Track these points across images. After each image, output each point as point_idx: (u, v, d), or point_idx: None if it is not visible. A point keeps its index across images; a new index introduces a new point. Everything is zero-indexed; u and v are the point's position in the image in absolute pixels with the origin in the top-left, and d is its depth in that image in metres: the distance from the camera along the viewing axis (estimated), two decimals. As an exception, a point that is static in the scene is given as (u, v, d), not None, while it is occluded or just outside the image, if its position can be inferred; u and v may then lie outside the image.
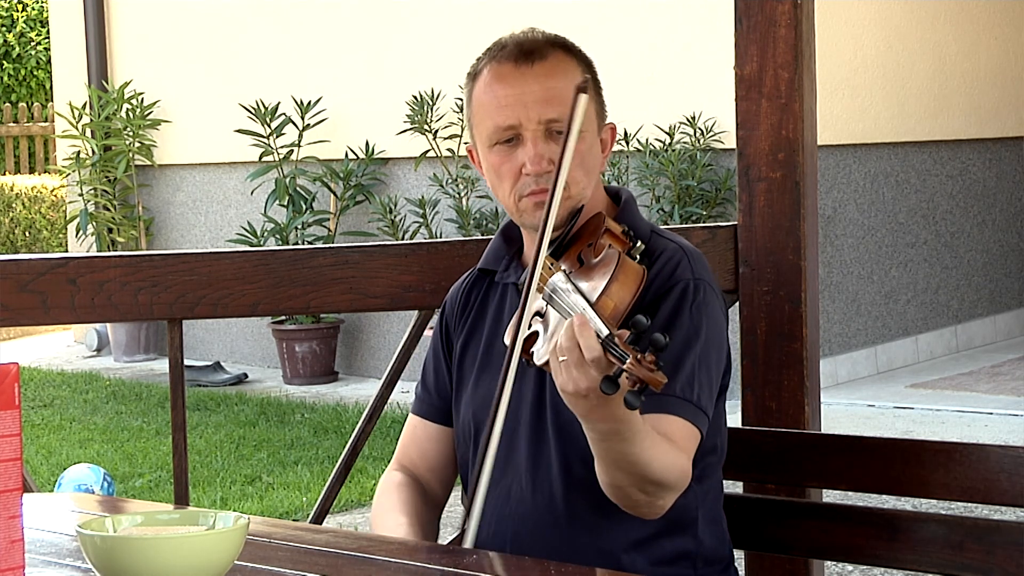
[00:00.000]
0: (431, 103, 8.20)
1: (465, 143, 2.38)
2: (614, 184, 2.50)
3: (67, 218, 9.93)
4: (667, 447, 2.07)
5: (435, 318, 2.50)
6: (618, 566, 2.19)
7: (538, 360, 2.06)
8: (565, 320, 2.00)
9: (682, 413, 2.13)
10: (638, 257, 2.17)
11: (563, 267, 2.13)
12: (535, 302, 2.11)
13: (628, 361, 1.82)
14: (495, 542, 2.24)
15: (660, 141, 7.56)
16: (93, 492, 5.11)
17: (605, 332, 1.88)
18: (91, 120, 9.58)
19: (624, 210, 2.33)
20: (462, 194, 8.14)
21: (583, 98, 2.14)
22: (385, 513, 2.34)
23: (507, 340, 2.13)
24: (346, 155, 8.71)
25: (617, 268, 2.06)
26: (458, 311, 2.42)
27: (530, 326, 2.11)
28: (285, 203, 8.69)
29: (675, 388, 2.13)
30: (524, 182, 2.26)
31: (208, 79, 9.40)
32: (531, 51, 2.27)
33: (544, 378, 2.23)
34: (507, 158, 2.27)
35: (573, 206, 2.25)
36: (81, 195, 9.55)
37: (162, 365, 9.23)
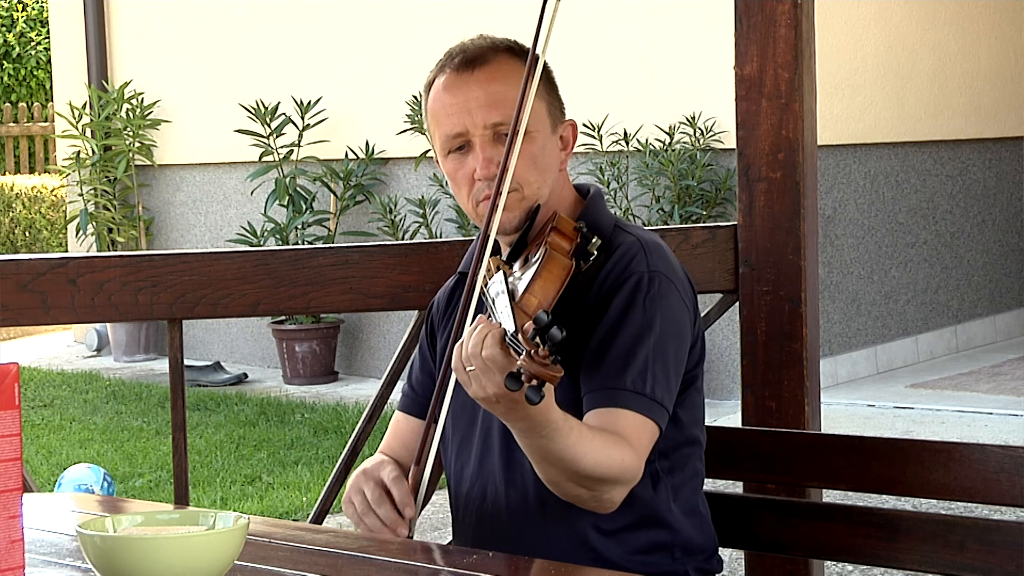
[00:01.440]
0: (431, 103, 8.20)
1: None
2: (588, 182, 2.48)
3: (67, 218, 9.93)
4: (603, 441, 2.07)
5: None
6: (595, 553, 2.21)
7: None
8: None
9: (633, 406, 2.14)
10: (595, 253, 2.17)
11: (514, 268, 2.15)
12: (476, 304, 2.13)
13: (522, 356, 1.82)
14: (476, 541, 2.27)
15: (660, 141, 7.55)
16: (93, 492, 5.11)
17: (511, 329, 1.88)
18: (91, 120, 9.58)
19: (588, 206, 2.34)
20: (462, 194, 8.13)
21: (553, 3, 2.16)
22: (370, 464, 2.36)
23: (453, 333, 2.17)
24: (346, 155, 8.72)
25: (542, 264, 2.07)
26: (441, 311, 2.45)
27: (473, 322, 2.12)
28: (285, 203, 8.69)
29: (625, 381, 2.14)
30: (478, 187, 2.28)
31: (208, 79, 9.40)
32: (474, 58, 2.30)
33: None
34: (460, 165, 2.30)
35: (528, 207, 2.27)
36: (81, 195, 9.55)
37: (162, 365, 9.23)
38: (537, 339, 1.82)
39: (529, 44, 2.26)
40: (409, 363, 2.51)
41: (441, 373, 2.21)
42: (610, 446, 2.08)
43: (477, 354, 1.92)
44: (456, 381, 2.12)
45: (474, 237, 2.44)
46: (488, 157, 2.26)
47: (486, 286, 2.10)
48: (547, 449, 2.03)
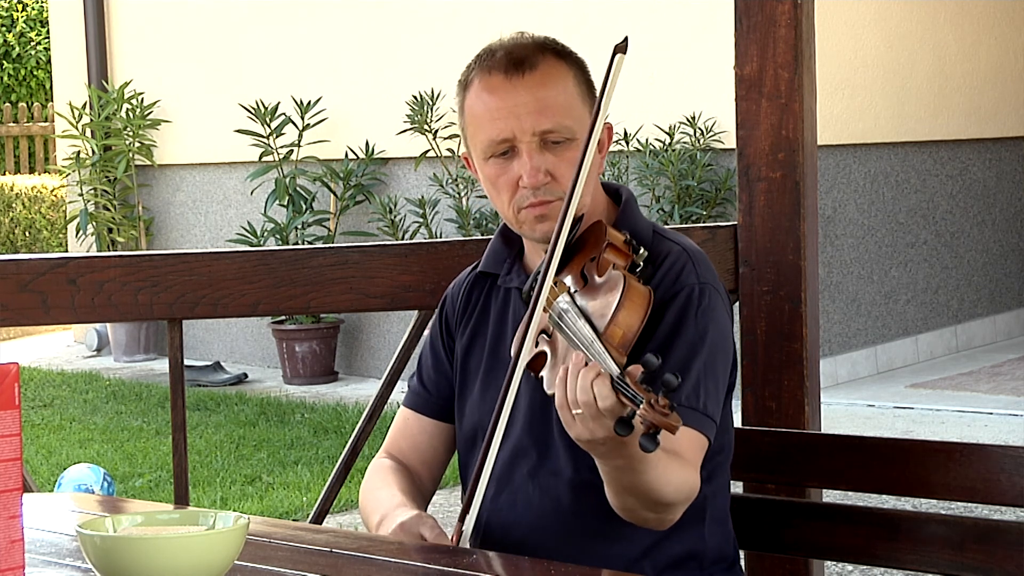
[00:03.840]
0: (431, 103, 8.20)
1: (461, 152, 2.35)
2: (613, 182, 2.44)
3: (67, 218, 9.93)
4: (677, 467, 2.05)
5: (433, 319, 2.49)
6: (626, 565, 2.18)
7: (547, 388, 2.04)
8: (573, 350, 1.97)
9: (689, 422, 2.10)
10: (641, 264, 2.15)
11: (568, 285, 2.11)
12: (541, 320, 2.09)
13: (642, 406, 1.79)
14: (501, 549, 2.22)
15: (660, 141, 7.55)
16: (93, 492, 5.11)
17: (616, 372, 1.86)
18: (91, 120, 9.58)
19: (624, 212, 2.31)
20: (462, 194, 8.14)
21: (620, 59, 2.09)
22: (378, 488, 2.33)
23: (513, 354, 2.12)
24: (346, 155, 8.71)
25: (624, 294, 2.02)
26: (459, 311, 2.40)
27: (536, 343, 2.09)
28: (285, 203, 8.69)
29: (680, 397, 2.10)
30: (522, 194, 2.22)
31: (208, 79, 9.40)
32: (521, 60, 2.22)
33: None
34: (503, 170, 2.23)
35: (574, 217, 2.21)
36: (81, 195, 9.55)
37: (162, 365, 9.23)
38: (647, 386, 1.80)
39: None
40: (417, 357, 2.48)
41: (492, 422, 2.13)
42: (679, 470, 2.06)
43: (590, 401, 1.87)
44: (502, 399, 2.09)
45: (476, 237, 2.41)
46: (536, 166, 2.20)
47: (550, 304, 2.07)
48: (634, 482, 2.00)
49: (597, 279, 2.09)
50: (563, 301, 2.05)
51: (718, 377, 2.18)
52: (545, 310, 2.08)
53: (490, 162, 2.24)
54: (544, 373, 2.07)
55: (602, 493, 2.09)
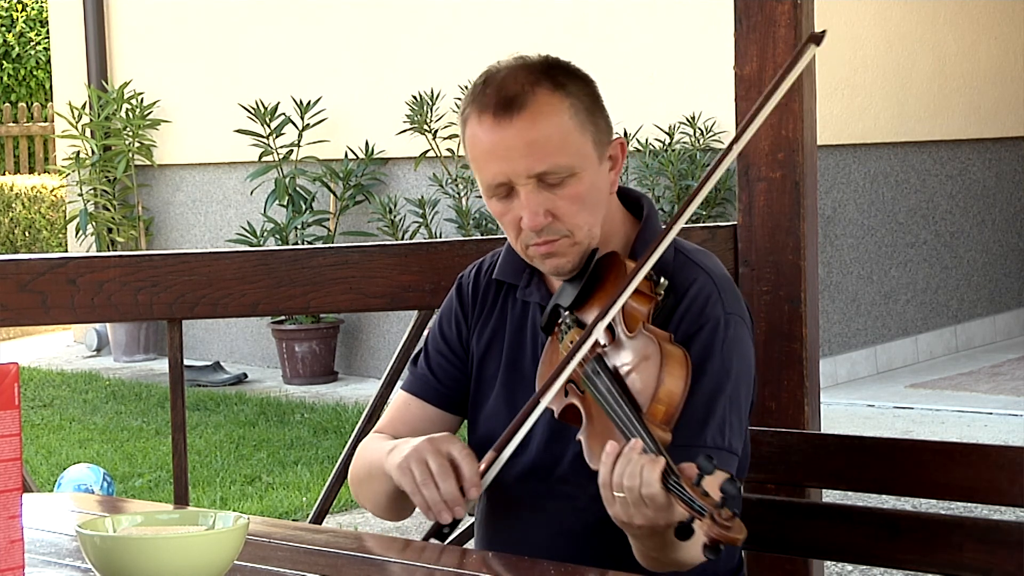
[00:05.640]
0: (431, 103, 8.20)
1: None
2: (632, 189, 2.39)
3: (67, 218, 9.93)
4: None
5: (446, 303, 2.41)
6: None
7: (588, 459, 1.98)
8: (611, 422, 1.93)
9: (719, 465, 2.08)
10: (663, 295, 2.10)
11: (597, 338, 2.05)
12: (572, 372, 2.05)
13: (706, 517, 1.72)
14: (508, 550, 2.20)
15: (660, 141, 7.56)
16: (93, 492, 5.11)
17: (665, 467, 1.80)
18: (91, 120, 9.58)
19: (646, 228, 2.25)
20: (462, 194, 8.14)
21: (811, 50, 2.04)
22: (375, 446, 2.26)
23: (537, 391, 2.09)
24: (346, 155, 8.71)
25: (663, 367, 1.97)
26: (477, 307, 2.34)
27: (566, 393, 2.05)
28: (285, 203, 8.69)
29: (706, 438, 2.07)
30: (526, 234, 2.17)
31: (208, 79, 9.40)
32: (511, 100, 2.13)
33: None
34: (506, 209, 2.18)
35: (583, 251, 2.18)
36: (81, 195, 9.54)
37: (162, 365, 9.23)
38: (704, 488, 1.74)
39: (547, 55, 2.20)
40: (423, 343, 2.40)
41: (517, 421, 2.10)
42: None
43: (635, 488, 1.83)
44: (514, 429, 2.07)
45: (476, 237, 2.39)
46: (534, 209, 2.13)
47: (579, 351, 2.02)
48: (662, 559, 1.97)
49: (626, 337, 2.04)
50: (593, 365, 2.00)
51: (742, 409, 2.14)
52: (580, 364, 2.03)
53: (492, 201, 2.19)
54: (581, 437, 2.02)
55: (611, 524, 2.00)
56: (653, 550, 1.96)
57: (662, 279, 2.11)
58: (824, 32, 2.08)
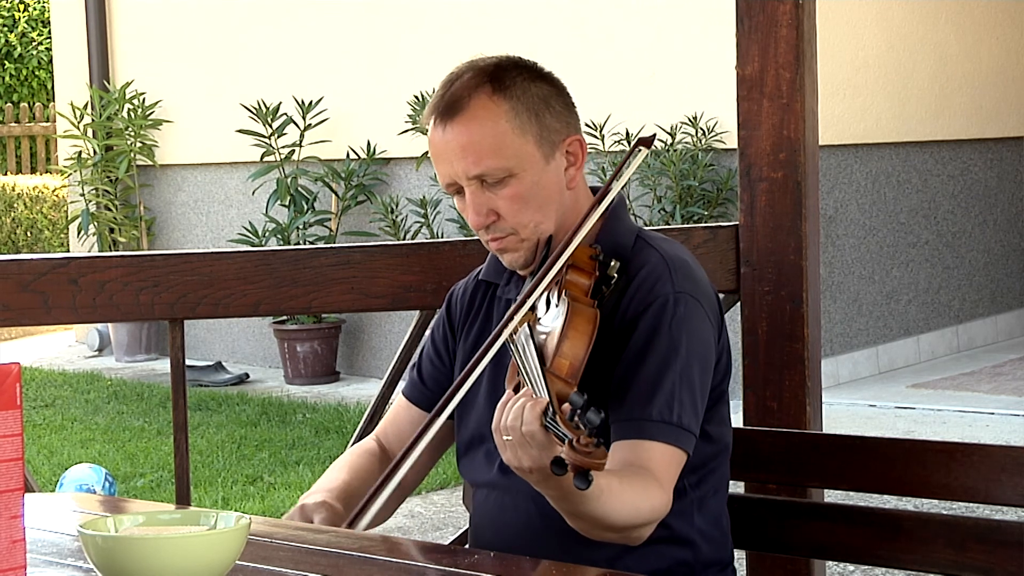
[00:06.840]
0: (432, 103, 8.20)
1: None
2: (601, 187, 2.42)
3: (69, 218, 9.93)
4: (633, 491, 2.03)
5: (438, 312, 2.49)
6: (613, 569, 2.17)
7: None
8: (525, 380, 1.97)
9: (660, 437, 2.10)
10: (615, 276, 2.14)
11: (537, 314, 2.12)
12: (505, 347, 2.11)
13: (565, 445, 1.77)
14: (492, 548, 2.22)
15: (661, 141, 7.55)
16: (94, 492, 5.11)
17: (549, 410, 1.84)
18: (93, 120, 9.58)
19: (609, 220, 2.28)
20: (463, 194, 8.13)
21: (641, 153, 2.16)
22: (336, 465, 2.40)
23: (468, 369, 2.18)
24: (347, 155, 8.72)
25: (567, 322, 2.02)
26: (463, 313, 2.41)
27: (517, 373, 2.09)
28: (286, 203, 8.69)
29: (652, 412, 2.10)
30: (480, 231, 2.27)
31: (210, 79, 9.40)
32: (452, 103, 2.24)
33: None
34: (462, 207, 2.28)
35: (532, 245, 2.25)
36: (83, 195, 9.55)
37: (163, 365, 9.23)
38: (577, 422, 1.77)
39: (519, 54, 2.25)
40: (419, 349, 2.49)
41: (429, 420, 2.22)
42: (639, 493, 2.04)
43: (516, 428, 1.88)
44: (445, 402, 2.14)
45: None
46: (477, 209, 2.23)
47: (514, 335, 2.07)
48: (576, 512, 2.00)
49: (553, 305, 2.10)
50: (523, 332, 2.05)
51: (695, 387, 2.15)
52: (510, 340, 2.08)
53: (453, 197, 2.30)
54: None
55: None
56: (561, 501, 1.99)
57: (613, 261, 2.16)
58: (654, 136, 2.22)
